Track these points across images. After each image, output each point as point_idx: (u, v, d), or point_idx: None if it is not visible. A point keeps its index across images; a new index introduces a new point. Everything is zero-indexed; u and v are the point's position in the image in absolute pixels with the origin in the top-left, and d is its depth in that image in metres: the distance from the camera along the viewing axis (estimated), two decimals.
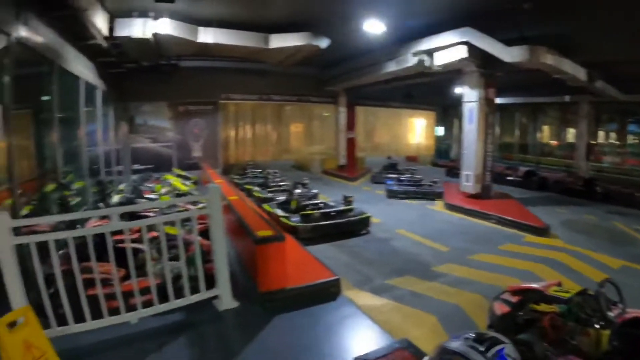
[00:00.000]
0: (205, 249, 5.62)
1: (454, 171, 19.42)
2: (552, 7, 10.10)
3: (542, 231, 10.34)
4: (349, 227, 9.84)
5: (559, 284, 5.35)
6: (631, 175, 20.52)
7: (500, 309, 4.96)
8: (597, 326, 4.26)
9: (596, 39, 11.82)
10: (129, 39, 11.40)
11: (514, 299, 5.08)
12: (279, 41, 13.34)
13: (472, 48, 12.05)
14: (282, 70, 18.55)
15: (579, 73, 13.49)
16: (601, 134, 23.74)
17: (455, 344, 2.36)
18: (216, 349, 4.68)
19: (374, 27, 12.09)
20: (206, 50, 13.58)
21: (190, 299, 5.20)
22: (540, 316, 4.68)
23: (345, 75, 19.53)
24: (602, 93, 17.00)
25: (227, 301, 5.49)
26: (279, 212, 10.30)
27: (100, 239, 4.79)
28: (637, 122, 22.45)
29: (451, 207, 12.91)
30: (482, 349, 2.30)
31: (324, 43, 13.49)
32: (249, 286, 6.00)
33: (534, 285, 5.18)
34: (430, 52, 13.21)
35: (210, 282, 5.44)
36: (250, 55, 14.74)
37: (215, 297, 5.51)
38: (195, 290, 5.28)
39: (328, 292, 6.00)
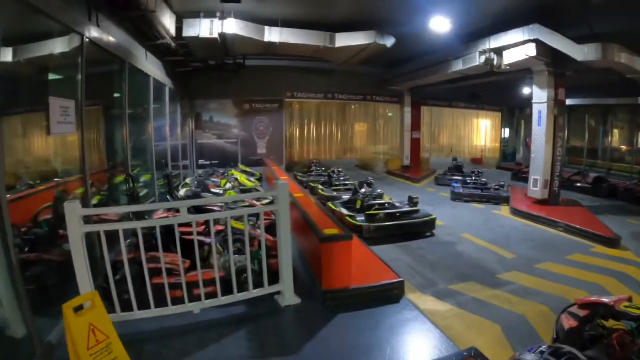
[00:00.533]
0: (270, 245, 5.71)
1: (519, 175, 18.99)
2: (623, 1, 9.58)
3: (612, 242, 9.76)
4: (413, 228, 9.77)
5: (630, 299, 5.17)
6: None
7: (568, 322, 4.82)
8: None
9: None
10: (196, 38, 11.72)
11: (582, 313, 4.94)
12: (344, 40, 13.36)
13: (541, 46, 11.62)
14: (346, 69, 18.64)
15: None
16: None
17: (531, 357, 2.34)
18: (275, 343, 4.71)
19: (439, 25, 11.94)
20: (271, 49, 13.74)
21: (252, 292, 5.29)
22: (607, 332, 4.54)
23: (410, 74, 19.33)
24: None
25: (289, 297, 5.55)
26: (344, 211, 10.33)
27: (166, 230, 4.98)
28: None
29: (517, 212, 12.52)
30: None
31: (389, 42, 13.43)
32: (312, 284, 6.05)
33: (604, 300, 5.01)
34: (497, 51, 12.92)
35: (273, 278, 5.52)
36: (315, 54, 14.83)
37: (278, 292, 5.58)
38: (258, 284, 5.36)
39: (391, 294, 5.97)
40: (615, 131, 24.94)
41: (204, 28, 11.55)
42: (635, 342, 4.30)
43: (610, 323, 4.66)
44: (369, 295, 5.80)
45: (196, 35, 11.57)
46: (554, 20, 11.24)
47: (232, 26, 11.75)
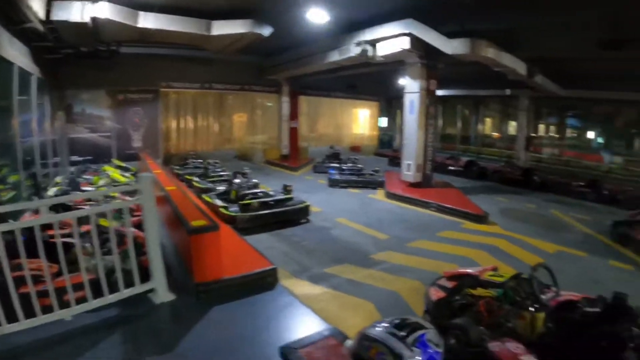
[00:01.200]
0: (141, 241, 5.47)
1: (396, 161, 19.44)
2: (493, 2, 10.27)
3: (481, 218, 10.67)
4: (288, 216, 9.80)
5: (495, 269, 5.47)
6: (569, 166, 21.77)
7: (436, 294, 5.06)
8: (531, 309, 4.40)
9: (537, 36, 12.24)
10: (66, 22, 10.89)
11: (449, 285, 5.16)
12: (221, 28, 13.04)
13: (414, 40, 12.14)
14: (224, 59, 18.25)
15: (519, 67, 13.87)
16: (541, 127, 24.75)
17: (376, 331, 2.33)
18: (152, 343, 4.57)
19: (317, 16, 12.02)
20: (147, 37, 13.09)
21: (124, 293, 5.06)
22: (476, 301, 4.75)
23: (288, 64, 19.31)
24: (542, 88, 17.68)
25: (162, 294, 5.39)
26: (218, 203, 10.15)
27: (33, 234, 4.56)
28: (575, 116, 23.54)
29: (392, 196, 13.05)
30: (402, 334, 2.26)
31: (266, 31, 13.29)
32: (186, 278, 5.87)
33: (469, 271, 5.30)
34: (373, 43, 13.24)
35: (146, 276, 5.30)
36: (191, 42, 14.36)
37: (151, 290, 5.37)
38: (130, 284, 5.13)
39: (265, 282, 5.98)
40: (487, 120, 26.84)
41: (74, 11, 10.73)
42: (502, 307, 4.54)
43: (480, 292, 4.89)
44: (243, 285, 5.77)
45: (66, 19, 10.76)
46: (428, 17, 11.73)
47: (105, 10, 11.02)
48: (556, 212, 12.80)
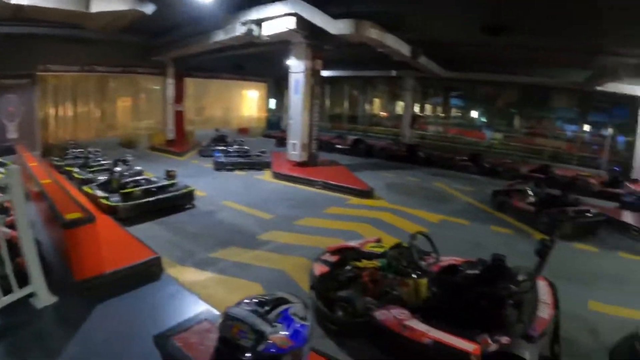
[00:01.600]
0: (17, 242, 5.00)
1: (283, 141, 18.87)
2: None
3: (366, 193, 11.10)
4: (171, 202, 9.38)
5: (378, 241, 5.64)
6: (453, 143, 23.12)
7: (320, 269, 5.14)
8: (414, 276, 4.64)
9: (423, 20, 12.61)
10: None
11: (333, 259, 5.26)
12: (101, 5, 12.13)
13: (300, 20, 12.09)
14: (106, 39, 16.95)
15: (403, 49, 14.18)
16: (428, 106, 25.90)
17: (237, 309, 2.29)
18: (38, 350, 4.24)
19: None
20: (21, 14, 12.04)
21: (2, 301, 4.60)
22: (361, 272, 4.89)
23: (174, 44, 18.51)
24: (425, 69, 18.18)
25: (44, 297, 5.00)
26: (99, 193, 9.44)
27: None
28: (459, 96, 24.97)
29: (278, 176, 13.14)
30: (264, 311, 2.25)
31: (149, 9, 12.62)
32: (67, 277, 5.47)
33: (351, 244, 5.43)
34: (259, 22, 13.02)
35: (25, 279, 4.87)
36: (69, 20, 13.40)
37: (32, 294, 4.96)
38: (8, 290, 4.68)
39: (150, 272, 5.77)
40: (375, 100, 27.52)
41: None
42: (386, 277, 4.71)
43: (365, 264, 5.10)
44: (127, 278, 5.51)
45: None
46: None
47: None
48: (440, 184, 13.61)
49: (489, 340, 3.87)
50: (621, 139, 20.34)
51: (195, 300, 5.17)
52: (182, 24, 16.47)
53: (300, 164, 13.85)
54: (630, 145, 18.71)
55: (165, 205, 9.16)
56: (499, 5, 10.70)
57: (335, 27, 11.60)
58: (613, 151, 20.15)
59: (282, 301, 2.36)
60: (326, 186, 11.74)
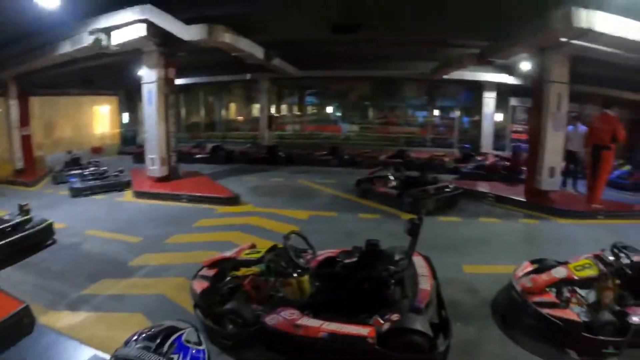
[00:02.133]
0: None
1: (141, 157, 17.15)
2: None
3: (232, 200, 11.05)
4: (29, 241, 8.01)
5: (253, 246, 5.55)
6: (311, 139, 23.79)
7: (200, 286, 4.98)
8: (295, 275, 4.66)
9: (272, 21, 12.59)
10: None
11: (211, 273, 5.13)
12: None
13: (152, 26, 11.45)
14: None
15: (257, 51, 14.06)
16: (284, 106, 26.20)
17: (127, 350, 2.09)
18: None
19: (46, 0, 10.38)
20: None
21: None
22: (242, 281, 4.86)
23: (14, 59, 16.40)
24: (280, 70, 18.26)
25: None
26: None
27: None
28: (313, 94, 25.58)
29: (140, 195, 12.31)
30: (156, 344, 2.08)
31: None
32: None
33: (227, 254, 5.29)
34: (108, 31, 12.07)
35: None
36: None
37: None
38: None
39: (21, 326, 4.91)
40: (231, 105, 27.25)
41: None
42: (268, 281, 4.63)
43: (244, 272, 5.03)
44: None
45: None
46: (167, 2, 11.22)
47: None
48: (303, 181, 13.95)
49: (381, 321, 4.06)
50: (466, 119, 24.16)
51: (77, 346, 4.58)
52: (25, 36, 14.98)
53: (162, 179, 13.20)
54: (478, 124, 22.08)
55: (23, 246, 7.83)
56: (348, 4, 11.15)
57: (188, 32, 11.18)
58: (462, 131, 23.32)
59: (171, 330, 2.18)
60: (191, 199, 11.39)
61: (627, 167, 15.63)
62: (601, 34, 9.07)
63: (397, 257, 4.86)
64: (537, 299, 4.84)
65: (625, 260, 5.13)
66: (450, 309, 4.68)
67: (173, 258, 7.29)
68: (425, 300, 4.38)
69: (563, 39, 10.05)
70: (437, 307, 4.64)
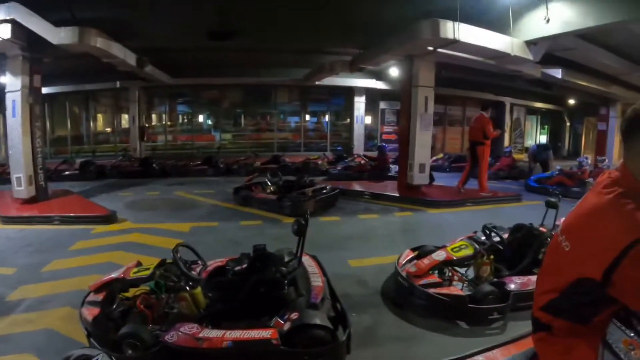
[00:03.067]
0: None
1: (4, 177, 15.79)
2: None
3: (109, 218, 10.17)
4: None
5: (139, 264, 5.35)
6: (185, 149, 23.45)
7: (90, 313, 4.58)
8: (187, 288, 4.56)
9: (146, 26, 12.30)
10: None
11: (100, 297, 4.79)
12: None
13: (18, 27, 10.26)
14: None
15: (129, 58, 13.61)
16: (155, 116, 25.28)
17: None
18: None
19: None
20: None
21: None
22: (133, 302, 4.63)
23: None
24: (152, 78, 17.88)
25: None
26: None
27: None
28: (186, 102, 25.17)
29: (7, 220, 10.63)
30: None
31: None
32: None
33: (113, 276, 4.99)
34: None
35: None
36: None
37: None
38: None
39: None
40: (99, 116, 25.86)
41: None
42: (160, 298, 4.51)
43: (134, 292, 4.85)
44: None
45: None
46: (35, 2, 10.16)
47: None
48: (181, 193, 13.57)
49: (281, 321, 4.14)
50: (330, 124, 25.53)
51: None
52: None
53: (30, 201, 11.70)
54: (349, 127, 24.17)
55: None
56: (224, 11, 11.06)
57: (58, 36, 10.36)
58: (334, 134, 24.53)
59: (85, 358, 2.13)
60: (65, 220, 10.27)
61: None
62: (466, 44, 10.10)
63: (286, 259, 5.00)
64: (422, 281, 5.27)
65: (496, 238, 5.86)
66: (344, 301, 4.82)
67: (54, 287, 6.54)
68: (319, 295, 4.58)
69: (430, 48, 11.04)
70: (332, 301, 4.81)
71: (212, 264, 5.42)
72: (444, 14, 9.72)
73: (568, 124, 32.03)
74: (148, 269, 4.84)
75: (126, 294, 4.88)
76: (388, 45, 12.15)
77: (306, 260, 5.32)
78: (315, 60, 17.52)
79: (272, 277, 4.53)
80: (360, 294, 5.93)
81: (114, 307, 4.69)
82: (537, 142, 29.20)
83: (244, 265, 5.11)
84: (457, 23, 9.67)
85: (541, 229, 6.13)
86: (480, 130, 12.65)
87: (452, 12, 9.65)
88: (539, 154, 18.10)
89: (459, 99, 26.18)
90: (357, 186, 14.10)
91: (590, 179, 13.86)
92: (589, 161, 16.02)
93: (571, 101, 27.20)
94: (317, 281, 4.84)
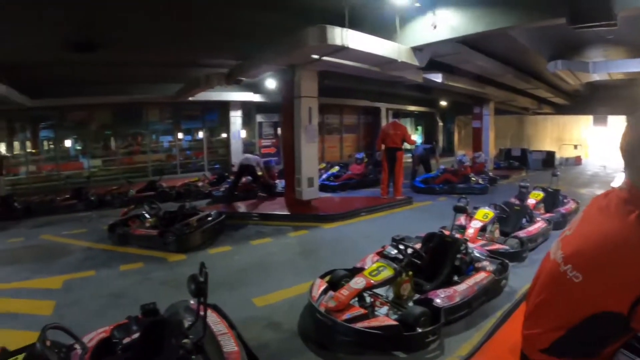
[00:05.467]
0: None
1: None
2: None
3: None
4: None
5: (4, 352, 4.08)
6: (51, 181, 20.98)
7: None
8: None
9: None
10: None
11: None
12: None
13: None
14: None
15: None
16: (16, 144, 22.45)
17: None
18: None
19: None
20: None
21: None
22: None
23: None
24: (7, 100, 15.68)
25: None
26: None
27: None
28: (49, 127, 22.52)
29: None
30: None
31: None
32: None
33: None
34: None
35: None
36: None
37: None
38: None
39: None
40: None
41: None
42: None
43: None
44: None
45: None
46: None
47: None
48: (48, 236, 11.64)
49: None
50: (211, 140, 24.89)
51: None
52: None
53: None
54: (226, 143, 23.63)
55: None
56: (86, 21, 10.05)
57: None
58: (211, 152, 23.91)
59: None
60: None
61: (335, 169, 18.72)
62: (354, 50, 9.79)
63: (186, 322, 4.00)
64: (345, 315, 4.83)
65: (410, 251, 5.65)
66: (260, 353, 4.11)
67: None
68: None
69: (315, 56, 10.71)
70: None
71: (95, 336, 4.22)
72: (325, 20, 9.40)
73: (441, 123, 33.54)
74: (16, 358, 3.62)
75: None
76: (269, 55, 11.69)
77: (208, 315, 4.08)
78: (189, 73, 16.72)
79: (177, 358, 3.43)
80: (276, 340, 5.23)
81: None
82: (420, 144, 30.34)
83: (134, 336, 4.12)
84: (346, 29, 9.39)
85: (457, 235, 6.40)
86: (400, 137, 13.59)
87: (337, 18, 9.41)
88: (424, 155, 18.54)
89: (336, 107, 26.34)
90: (243, 207, 13.47)
91: (472, 174, 15.51)
92: (467, 158, 16.72)
93: (443, 102, 28.67)
94: (230, 345, 3.89)
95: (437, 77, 15.58)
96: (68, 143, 23.06)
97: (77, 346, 3.95)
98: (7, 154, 21.15)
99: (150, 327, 3.91)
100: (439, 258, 5.86)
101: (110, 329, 4.31)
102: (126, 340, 4.15)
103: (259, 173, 15.23)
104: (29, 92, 16.78)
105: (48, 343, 3.53)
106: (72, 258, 9.54)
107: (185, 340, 3.50)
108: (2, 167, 19.21)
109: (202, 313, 3.75)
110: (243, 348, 3.98)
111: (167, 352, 3.58)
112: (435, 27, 9.88)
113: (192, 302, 4.44)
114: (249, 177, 15.62)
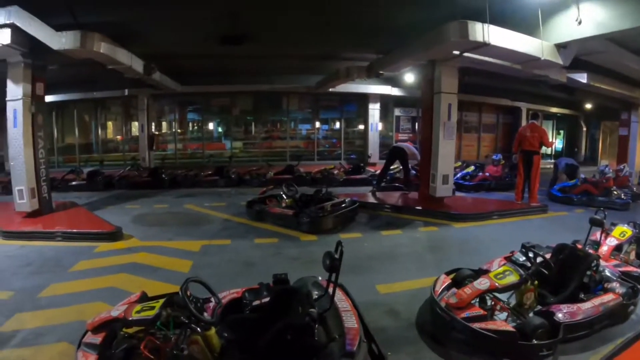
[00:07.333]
0: None
1: (9, 187, 14.04)
2: None
3: (114, 235, 9.31)
4: None
5: (143, 296, 4.52)
6: (195, 158, 22.91)
7: (86, 358, 3.82)
8: (199, 330, 3.70)
9: (154, 31, 11.73)
10: None
11: (99, 339, 3.96)
12: None
13: (18, 32, 9.57)
14: None
15: (136, 64, 13.02)
16: (165, 124, 24.73)
17: None
18: None
19: None
20: None
21: None
22: (138, 342, 3.73)
23: None
24: (160, 85, 17.32)
25: None
26: None
27: None
28: (195, 110, 24.56)
29: (8, 235, 9.75)
30: None
31: None
32: None
33: (114, 314, 4.11)
34: None
35: None
36: None
37: None
38: None
39: None
40: (109, 124, 25.27)
41: None
42: (168, 337, 3.69)
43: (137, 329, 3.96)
44: None
45: None
46: (36, 4, 9.39)
47: None
48: (191, 205, 12.84)
49: None
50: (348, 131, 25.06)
51: None
52: None
53: (32, 215, 10.96)
54: (363, 135, 23.90)
55: None
56: (236, 16, 10.55)
57: (59, 41, 9.69)
58: (348, 142, 24.42)
59: None
60: (67, 236, 9.38)
61: (470, 168, 17.91)
62: (496, 47, 9.50)
63: (314, 294, 4.19)
64: (465, 314, 4.71)
65: (539, 259, 5.33)
66: (376, 336, 4.21)
67: (51, 317, 5.62)
68: (355, 341, 3.74)
69: (456, 52, 10.50)
70: (367, 343, 4.04)
71: (227, 295, 4.66)
72: (467, 16, 9.16)
73: (585, 129, 31.05)
74: (153, 308, 3.93)
75: (128, 330, 4.00)
76: (410, 50, 11.63)
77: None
78: (329, 66, 17.01)
79: (302, 323, 3.67)
80: (393, 327, 5.24)
81: (115, 346, 3.85)
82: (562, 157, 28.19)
83: (264, 300, 4.43)
84: (487, 25, 9.08)
85: (590, 250, 5.97)
86: (537, 140, 12.63)
87: (475, 14, 9.12)
88: (567, 171, 17.01)
89: (475, 105, 25.51)
90: (376, 198, 13.55)
91: (614, 187, 13.96)
92: (610, 169, 15.56)
93: (588, 105, 26.42)
94: (351, 321, 4.01)
95: (582, 77, 14.60)
96: (212, 126, 24.80)
97: (212, 300, 4.35)
98: (158, 133, 23.26)
99: (281, 293, 4.25)
100: (567, 271, 5.54)
101: (242, 291, 4.71)
102: (256, 302, 4.49)
103: (412, 161, 15.06)
104: (178, 78, 18.41)
105: (189, 293, 3.89)
106: (211, 227, 10.44)
107: (312, 310, 3.72)
108: (153, 143, 21.58)
109: (330, 288, 4.00)
110: (362, 327, 4.10)
111: (293, 317, 3.82)
112: (579, 22, 9.25)
113: (320, 278, 4.68)
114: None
